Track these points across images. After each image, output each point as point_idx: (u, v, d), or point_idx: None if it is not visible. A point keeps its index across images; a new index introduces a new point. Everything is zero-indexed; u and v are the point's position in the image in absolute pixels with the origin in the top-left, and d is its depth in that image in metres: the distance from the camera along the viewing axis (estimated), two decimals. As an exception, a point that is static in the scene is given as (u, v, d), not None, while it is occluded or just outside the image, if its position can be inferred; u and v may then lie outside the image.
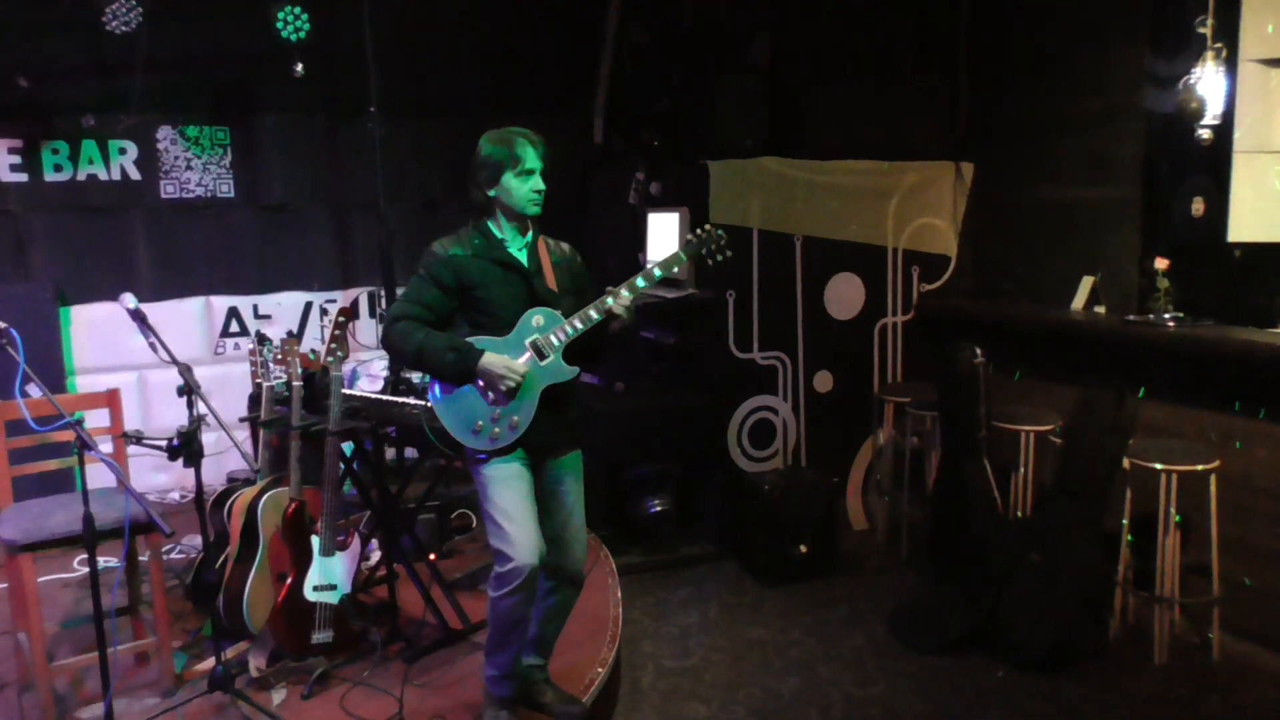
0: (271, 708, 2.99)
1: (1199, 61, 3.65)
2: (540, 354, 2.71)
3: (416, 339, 2.65)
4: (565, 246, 2.92)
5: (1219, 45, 3.63)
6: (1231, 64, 3.69)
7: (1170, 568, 3.57)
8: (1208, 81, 3.66)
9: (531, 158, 2.69)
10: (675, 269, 2.82)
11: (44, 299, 5.06)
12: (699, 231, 2.84)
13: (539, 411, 2.71)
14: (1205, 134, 3.71)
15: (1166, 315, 3.89)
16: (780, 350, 4.88)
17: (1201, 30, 3.65)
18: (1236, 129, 3.73)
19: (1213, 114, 3.69)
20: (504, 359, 2.65)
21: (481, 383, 2.67)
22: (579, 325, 2.71)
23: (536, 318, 2.72)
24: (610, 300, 2.70)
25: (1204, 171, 3.88)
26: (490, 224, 2.77)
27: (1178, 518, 3.52)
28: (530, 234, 2.82)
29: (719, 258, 2.83)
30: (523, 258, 2.77)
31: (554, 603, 2.92)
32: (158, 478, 5.41)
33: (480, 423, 2.68)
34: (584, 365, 2.81)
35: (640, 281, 2.74)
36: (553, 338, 2.71)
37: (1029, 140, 4.84)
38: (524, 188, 2.70)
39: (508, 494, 2.69)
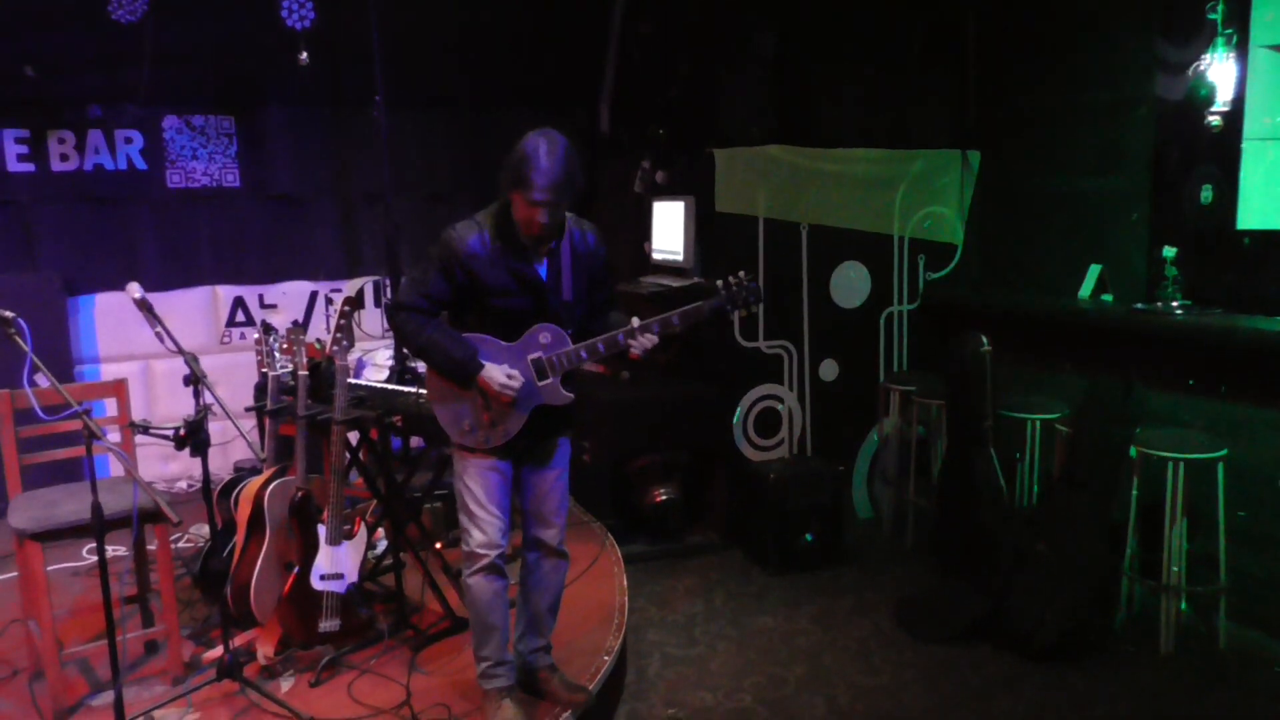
0: (280, 695, 3.01)
1: (1209, 48, 3.62)
2: (541, 373, 2.69)
3: (424, 335, 2.64)
4: (589, 233, 2.77)
5: (1229, 32, 3.60)
6: (1242, 51, 3.67)
7: (1177, 557, 3.56)
8: (1218, 68, 3.63)
9: (538, 189, 2.48)
10: (696, 319, 2.68)
11: (51, 289, 5.07)
12: (731, 280, 2.69)
13: (528, 424, 2.71)
14: (1215, 121, 3.68)
15: (1175, 304, 3.87)
16: (786, 339, 4.87)
17: (1212, 17, 3.62)
18: (1247, 116, 3.71)
19: (1223, 101, 3.66)
20: (503, 372, 2.63)
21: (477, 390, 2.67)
22: (584, 356, 2.68)
23: (544, 335, 2.68)
24: (622, 340, 2.65)
25: (1214, 159, 3.86)
26: (511, 221, 2.63)
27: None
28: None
29: (745, 311, 2.73)
30: (542, 269, 2.67)
31: (541, 575, 2.94)
32: (165, 467, 5.44)
33: (468, 423, 2.70)
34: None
35: (657, 328, 2.66)
36: (555, 360, 2.68)
37: (1037, 128, 4.82)
38: (527, 213, 2.54)
39: (482, 483, 2.73)
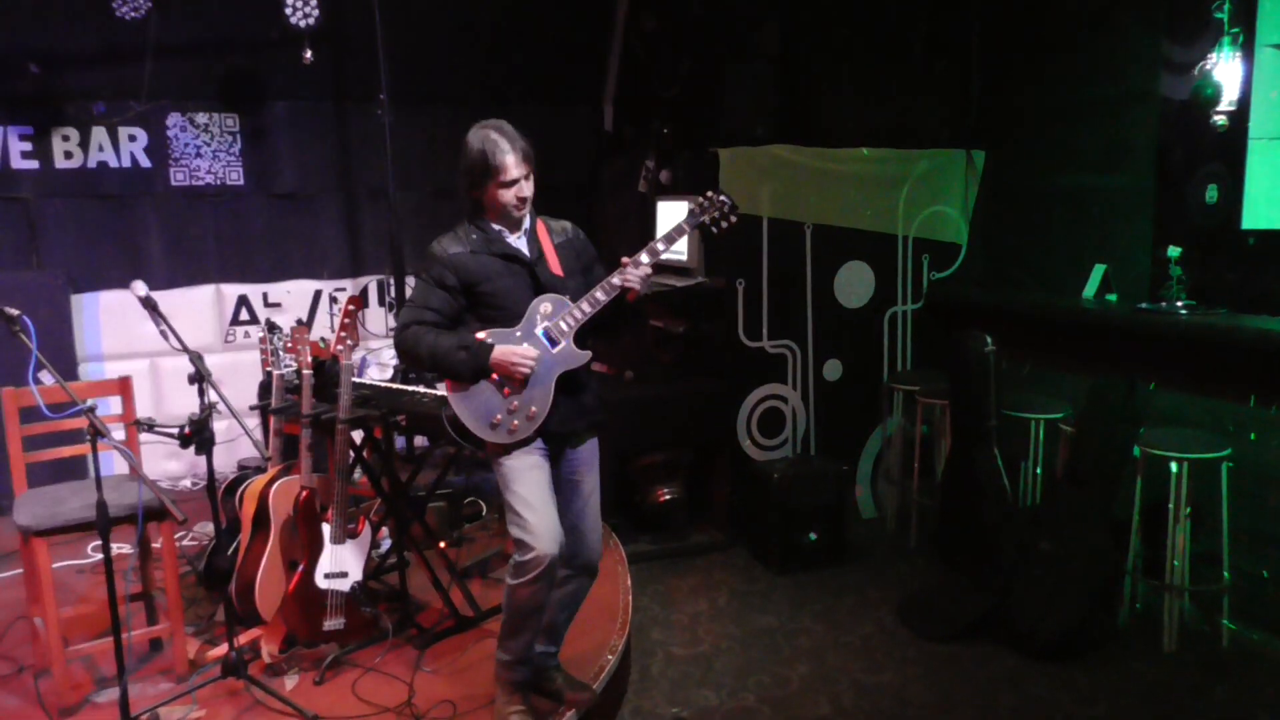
0: (284, 693, 3.01)
1: (1215, 47, 3.61)
2: (552, 341, 2.71)
3: (427, 342, 2.64)
4: (566, 224, 2.89)
5: (1236, 31, 3.60)
6: (1248, 50, 3.66)
7: (1180, 556, 3.56)
8: (1224, 68, 3.62)
9: (512, 167, 2.62)
10: (679, 238, 2.78)
11: (55, 286, 5.07)
12: (701, 200, 2.77)
13: (555, 399, 2.71)
14: (1221, 120, 3.67)
15: (1179, 303, 3.86)
16: (790, 339, 4.87)
17: (1218, 15, 3.61)
18: (1252, 115, 3.70)
19: (1229, 100, 3.66)
20: (516, 348, 2.65)
21: (496, 376, 2.67)
22: (586, 309, 2.70)
23: (544, 305, 2.71)
24: (617, 280, 2.69)
25: (1219, 158, 3.85)
26: (484, 219, 2.74)
27: (1187, 509, 3.51)
28: (528, 221, 2.79)
29: (724, 224, 2.79)
30: (522, 247, 2.76)
31: (569, 591, 2.93)
32: (169, 465, 5.45)
33: (499, 416, 2.68)
34: (606, 339, 2.81)
35: (644, 257, 2.70)
36: (562, 323, 2.70)
37: (1042, 127, 4.80)
38: (507, 195, 2.67)
39: (528, 483, 2.69)
